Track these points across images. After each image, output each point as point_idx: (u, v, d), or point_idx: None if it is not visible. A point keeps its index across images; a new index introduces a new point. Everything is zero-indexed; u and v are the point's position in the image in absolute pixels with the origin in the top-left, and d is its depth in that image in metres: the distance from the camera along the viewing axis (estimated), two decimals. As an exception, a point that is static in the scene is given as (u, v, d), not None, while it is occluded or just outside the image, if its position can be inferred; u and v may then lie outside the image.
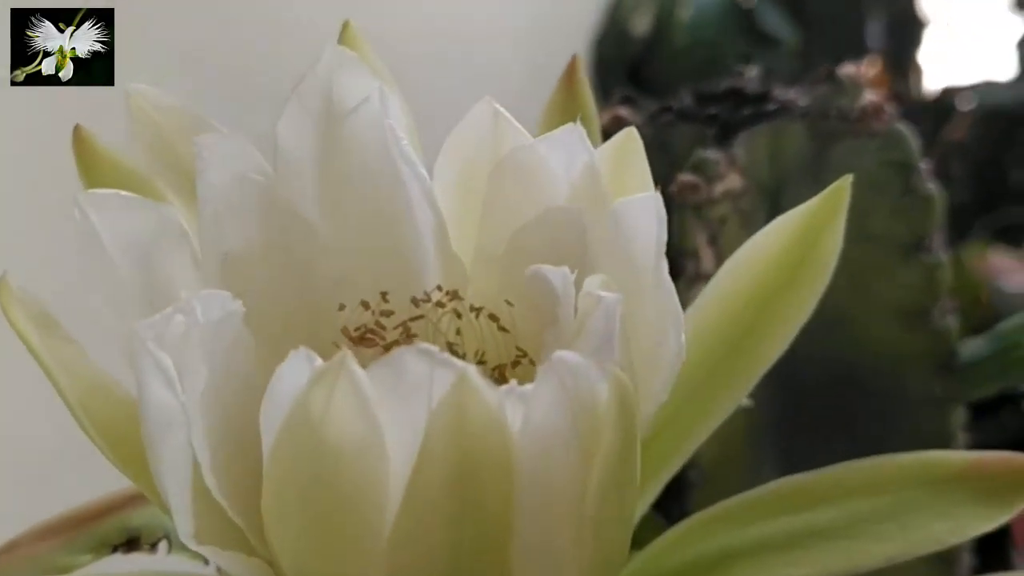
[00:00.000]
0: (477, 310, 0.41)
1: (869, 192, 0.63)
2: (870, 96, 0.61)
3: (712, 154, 0.61)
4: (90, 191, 0.34)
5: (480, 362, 0.41)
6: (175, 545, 0.44)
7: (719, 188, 0.60)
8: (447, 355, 0.28)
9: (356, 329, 0.40)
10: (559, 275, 0.33)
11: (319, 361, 0.29)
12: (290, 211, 0.40)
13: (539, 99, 0.47)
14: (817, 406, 0.67)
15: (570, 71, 0.50)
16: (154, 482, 0.33)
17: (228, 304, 0.33)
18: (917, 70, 1.56)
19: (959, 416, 0.65)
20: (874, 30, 1.51)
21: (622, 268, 0.36)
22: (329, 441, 0.29)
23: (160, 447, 0.30)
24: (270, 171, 0.39)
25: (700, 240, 0.61)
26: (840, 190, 0.41)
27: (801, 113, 0.63)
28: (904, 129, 0.61)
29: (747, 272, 0.42)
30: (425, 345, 0.28)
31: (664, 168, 0.67)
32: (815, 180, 0.65)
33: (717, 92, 0.68)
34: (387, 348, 0.40)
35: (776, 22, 1.36)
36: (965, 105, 1.54)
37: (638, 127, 0.67)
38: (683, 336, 0.35)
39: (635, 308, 0.35)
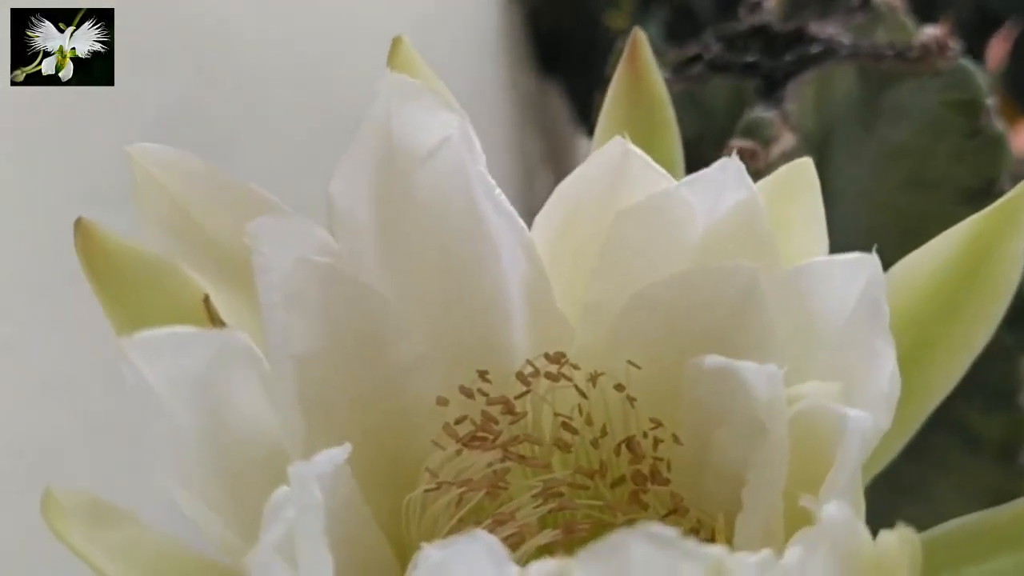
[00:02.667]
0: (595, 377, 0.34)
1: (928, 136, 0.57)
2: (931, 31, 0.54)
3: (766, 113, 0.53)
4: (135, 337, 0.25)
5: (603, 435, 0.34)
6: None
7: (776, 151, 0.53)
8: (691, 541, 0.21)
9: (458, 421, 0.33)
10: (763, 376, 0.26)
11: (502, 556, 0.22)
12: (357, 289, 0.31)
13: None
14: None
15: (633, 49, 0.42)
16: None
17: (334, 460, 0.26)
18: None
19: (1027, 366, 0.60)
20: None
21: (797, 343, 0.29)
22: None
23: None
24: (333, 245, 0.31)
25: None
26: (1019, 196, 0.34)
27: (849, 53, 0.56)
28: (970, 65, 0.55)
29: (898, 298, 0.35)
30: (656, 528, 0.21)
31: (698, 128, 0.60)
32: (865, 127, 0.58)
33: (743, 31, 0.61)
34: (504, 448, 0.32)
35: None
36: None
37: (664, 82, 0.60)
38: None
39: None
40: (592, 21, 1.47)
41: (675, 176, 0.42)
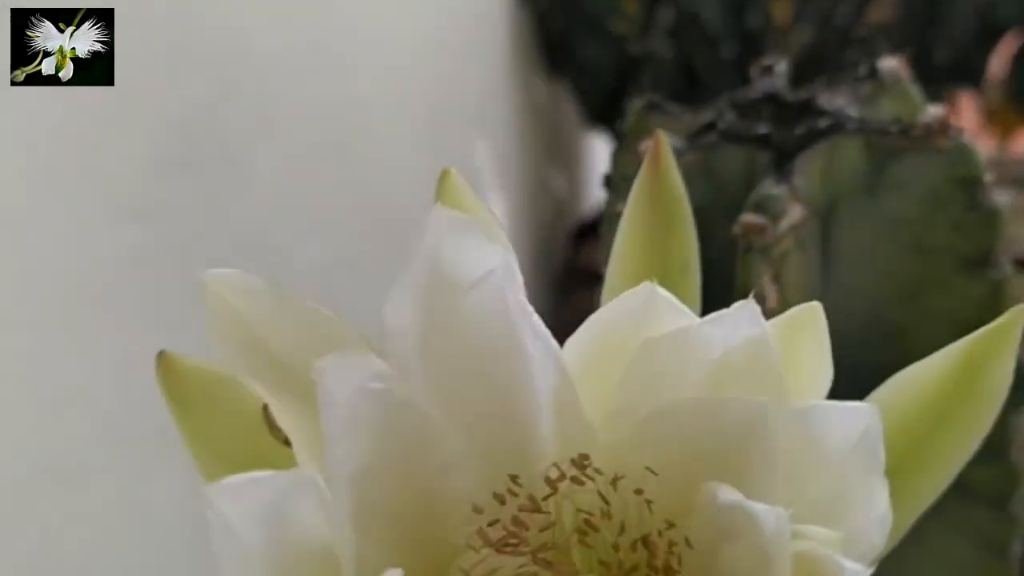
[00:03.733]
0: (616, 481, 0.37)
1: (929, 206, 0.60)
2: (933, 111, 0.57)
3: (775, 189, 0.56)
4: (216, 484, 0.28)
5: (621, 532, 0.38)
6: None
7: (784, 224, 0.56)
8: None
9: (490, 524, 0.36)
10: (772, 516, 0.30)
11: None
12: (404, 403, 0.35)
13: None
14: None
15: (656, 152, 0.45)
16: None
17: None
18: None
19: (1020, 422, 0.63)
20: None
21: (800, 470, 0.32)
22: None
23: None
24: (387, 371, 0.34)
25: (766, 280, 0.57)
26: (1014, 320, 0.37)
27: (856, 127, 0.59)
28: (970, 144, 0.58)
29: (895, 407, 0.39)
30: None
31: (711, 195, 0.63)
32: (871, 198, 0.61)
33: (755, 99, 0.64)
34: (533, 554, 0.36)
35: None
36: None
37: (678, 152, 0.63)
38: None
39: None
40: (599, 25, 1.50)
41: (688, 272, 0.45)
